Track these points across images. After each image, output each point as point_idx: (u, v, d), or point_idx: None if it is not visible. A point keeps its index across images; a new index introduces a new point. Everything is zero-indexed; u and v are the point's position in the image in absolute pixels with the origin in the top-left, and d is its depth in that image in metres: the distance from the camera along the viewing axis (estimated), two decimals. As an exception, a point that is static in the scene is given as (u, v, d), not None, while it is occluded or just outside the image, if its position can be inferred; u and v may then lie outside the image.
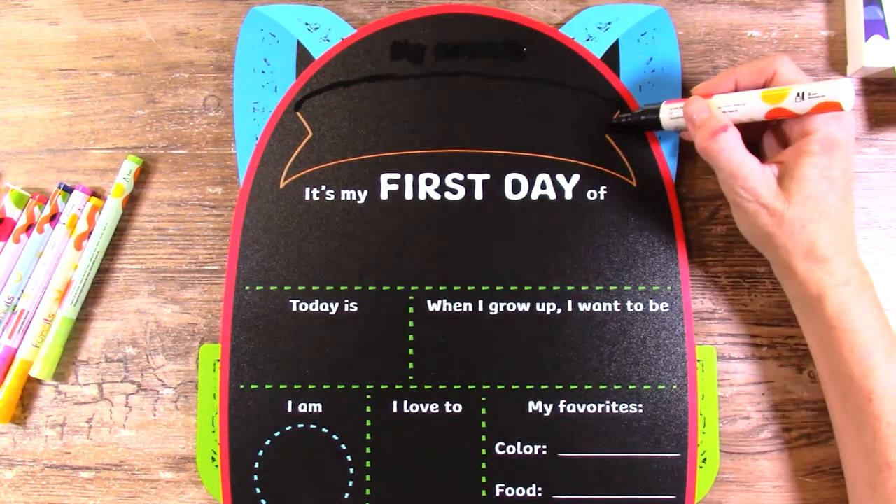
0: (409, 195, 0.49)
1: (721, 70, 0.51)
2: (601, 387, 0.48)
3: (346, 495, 0.47)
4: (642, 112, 0.48)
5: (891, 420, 0.39)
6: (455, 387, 0.48)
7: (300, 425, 0.47)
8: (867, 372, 0.40)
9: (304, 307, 0.48)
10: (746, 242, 0.47)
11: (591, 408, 0.47)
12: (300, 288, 0.48)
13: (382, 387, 0.48)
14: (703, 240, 0.50)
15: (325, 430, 0.47)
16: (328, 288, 0.48)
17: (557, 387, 0.47)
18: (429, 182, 0.49)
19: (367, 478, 0.47)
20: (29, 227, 0.50)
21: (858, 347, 0.40)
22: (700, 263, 0.50)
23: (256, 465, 0.47)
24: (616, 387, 0.48)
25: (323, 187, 0.49)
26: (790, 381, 0.49)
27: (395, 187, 0.49)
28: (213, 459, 0.47)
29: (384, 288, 0.48)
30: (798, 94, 0.40)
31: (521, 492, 0.47)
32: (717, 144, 0.41)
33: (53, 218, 0.50)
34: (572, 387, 0.48)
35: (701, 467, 0.47)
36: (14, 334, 0.48)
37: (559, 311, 0.48)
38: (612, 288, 0.48)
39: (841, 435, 0.43)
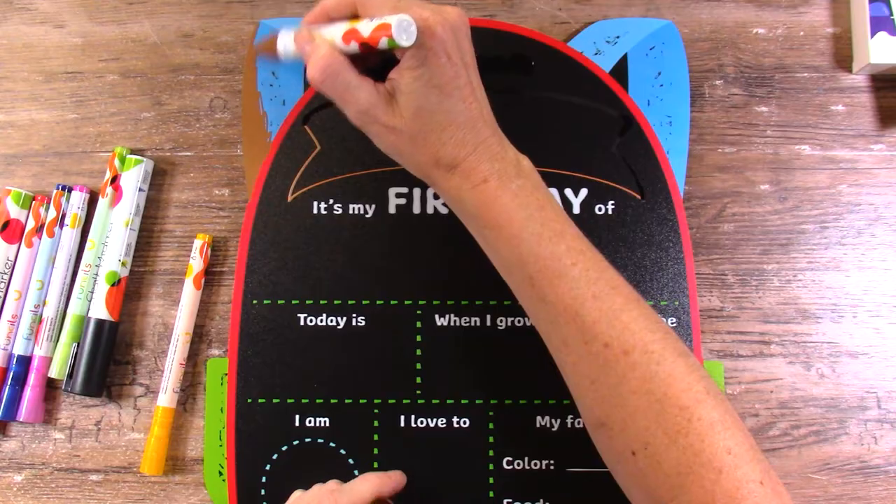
0: (416, 209, 0.49)
1: (727, 68, 0.51)
2: (608, 402, 0.47)
3: (354, 509, 0.47)
4: (266, 43, 0.44)
5: (549, 298, 0.39)
6: (463, 401, 0.48)
7: (307, 439, 0.47)
8: (521, 260, 0.39)
9: (311, 321, 0.48)
10: (754, 240, 0.47)
11: (599, 423, 0.47)
12: (308, 302, 0.48)
13: (390, 401, 0.48)
14: (710, 237, 0.50)
15: (332, 444, 0.48)
16: (336, 302, 0.48)
17: (565, 402, 0.47)
18: (437, 196, 0.49)
19: (375, 492, 0.47)
20: (38, 230, 0.50)
21: (507, 240, 0.40)
22: (707, 261, 0.50)
23: (264, 479, 0.47)
24: (623, 402, 0.47)
25: (331, 201, 0.49)
26: (798, 378, 0.49)
27: (402, 201, 0.49)
28: (221, 473, 0.47)
29: (392, 302, 0.48)
30: (370, 19, 0.38)
31: (528, 506, 0.47)
32: (322, 73, 0.39)
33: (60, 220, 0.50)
34: (580, 402, 0.48)
35: (708, 482, 0.47)
36: (42, 342, 0.49)
37: (567, 325, 0.48)
38: (619, 303, 0.48)
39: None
